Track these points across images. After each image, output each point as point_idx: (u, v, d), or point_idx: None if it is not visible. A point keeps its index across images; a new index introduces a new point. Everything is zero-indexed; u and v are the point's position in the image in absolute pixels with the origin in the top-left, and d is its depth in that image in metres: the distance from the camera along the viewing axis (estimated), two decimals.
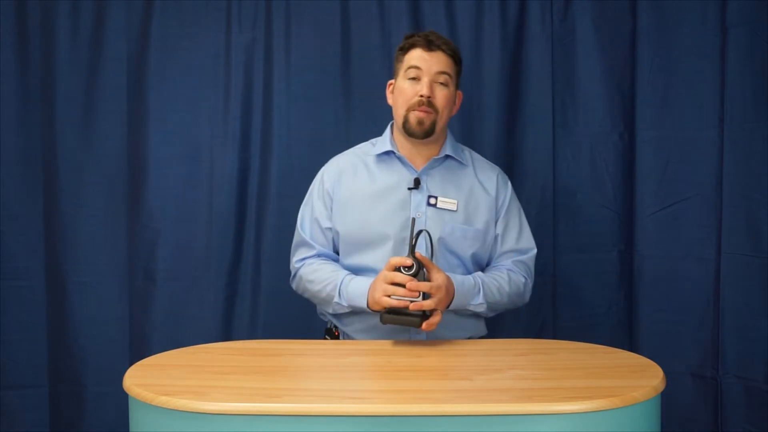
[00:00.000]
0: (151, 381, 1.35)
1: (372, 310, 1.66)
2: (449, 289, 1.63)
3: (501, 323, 2.26)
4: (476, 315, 1.79)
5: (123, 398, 1.38)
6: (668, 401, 1.52)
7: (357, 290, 1.68)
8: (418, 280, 1.56)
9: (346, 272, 1.75)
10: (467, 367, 1.48)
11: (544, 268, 2.27)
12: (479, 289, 1.72)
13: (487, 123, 2.27)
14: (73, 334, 2.26)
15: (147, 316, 2.26)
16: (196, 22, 2.25)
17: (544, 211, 2.27)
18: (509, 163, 2.28)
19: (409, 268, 1.56)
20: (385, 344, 1.67)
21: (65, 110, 2.24)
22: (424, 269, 1.58)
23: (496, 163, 2.25)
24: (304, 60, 2.26)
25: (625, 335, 2.26)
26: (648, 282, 2.20)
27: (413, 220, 1.66)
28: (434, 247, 1.70)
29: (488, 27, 2.25)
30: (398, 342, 1.69)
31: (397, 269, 1.57)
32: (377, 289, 1.60)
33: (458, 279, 1.69)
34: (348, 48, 2.26)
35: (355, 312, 1.73)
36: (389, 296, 1.56)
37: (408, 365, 1.51)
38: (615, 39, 2.23)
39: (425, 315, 1.57)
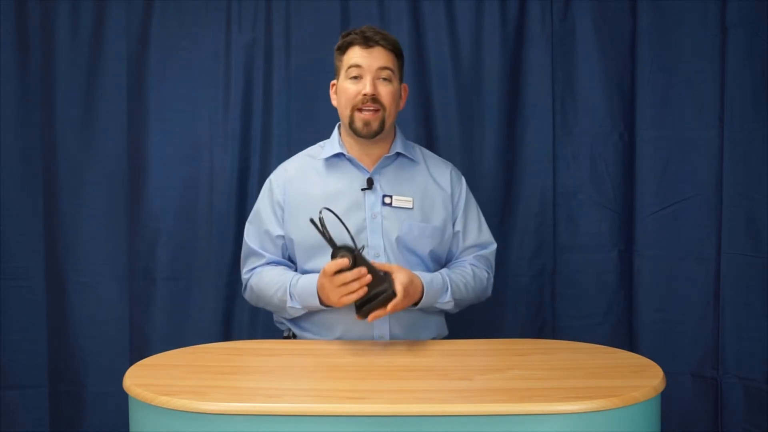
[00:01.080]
0: (151, 381, 1.35)
1: (326, 306, 1.64)
2: (414, 280, 1.62)
3: (501, 323, 2.27)
4: (441, 312, 1.80)
5: (123, 398, 1.38)
6: (668, 401, 1.52)
7: (306, 290, 1.66)
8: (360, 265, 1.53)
9: (293, 273, 1.74)
10: (467, 367, 1.48)
11: (544, 268, 2.28)
12: (447, 287, 1.72)
13: (487, 123, 2.27)
14: (73, 334, 2.26)
15: (147, 316, 2.25)
16: (196, 22, 2.25)
17: (544, 211, 2.27)
18: (509, 163, 2.28)
19: (349, 267, 1.52)
20: (385, 344, 1.67)
21: (65, 110, 2.24)
22: (360, 251, 1.54)
23: (497, 164, 2.27)
24: (304, 60, 2.26)
25: (625, 335, 2.26)
26: (648, 282, 2.20)
27: (319, 218, 1.55)
28: (354, 236, 1.61)
29: (488, 27, 2.25)
30: (398, 342, 1.69)
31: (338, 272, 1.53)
32: (330, 297, 1.58)
33: (427, 277, 1.68)
34: None
35: (311, 313, 1.72)
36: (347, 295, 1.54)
37: (408, 365, 1.51)
38: (615, 39, 2.22)
39: (389, 284, 1.55)
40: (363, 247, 1.55)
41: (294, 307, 1.69)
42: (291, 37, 2.26)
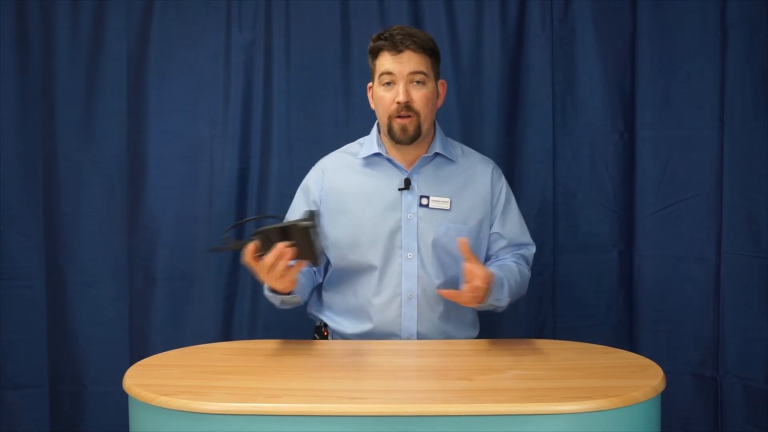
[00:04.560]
0: (151, 381, 1.35)
1: (277, 292, 1.61)
2: (488, 278, 1.58)
3: (501, 323, 2.27)
4: (474, 312, 1.81)
5: (123, 398, 1.38)
6: (668, 401, 1.52)
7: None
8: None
9: None
10: (467, 367, 1.48)
11: (544, 268, 2.27)
12: (504, 283, 1.67)
13: (487, 123, 2.27)
14: (73, 334, 2.26)
15: (147, 316, 2.26)
16: (196, 22, 2.25)
17: (544, 211, 2.27)
18: (509, 163, 2.28)
19: (266, 246, 1.47)
20: (385, 344, 1.67)
21: (65, 110, 2.24)
22: (265, 230, 1.49)
23: (497, 164, 2.26)
24: (304, 60, 2.26)
25: (625, 335, 2.26)
26: (648, 282, 2.20)
27: (220, 245, 1.61)
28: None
29: (488, 27, 2.25)
30: (398, 342, 1.69)
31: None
32: (273, 285, 1.55)
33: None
34: (348, 48, 2.26)
35: (345, 304, 1.73)
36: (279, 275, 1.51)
37: (407, 365, 1.51)
38: (615, 39, 2.22)
39: (295, 223, 1.47)
40: (275, 216, 1.53)
41: (269, 295, 1.66)
42: (291, 37, 2.26)
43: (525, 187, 2.27)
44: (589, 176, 2.26)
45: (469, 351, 1.61)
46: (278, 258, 1.46)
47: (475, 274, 1.53)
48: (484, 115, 2.27)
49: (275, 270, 1.48)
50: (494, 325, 2.25)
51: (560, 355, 1.55)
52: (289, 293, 1.62)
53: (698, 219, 2.16)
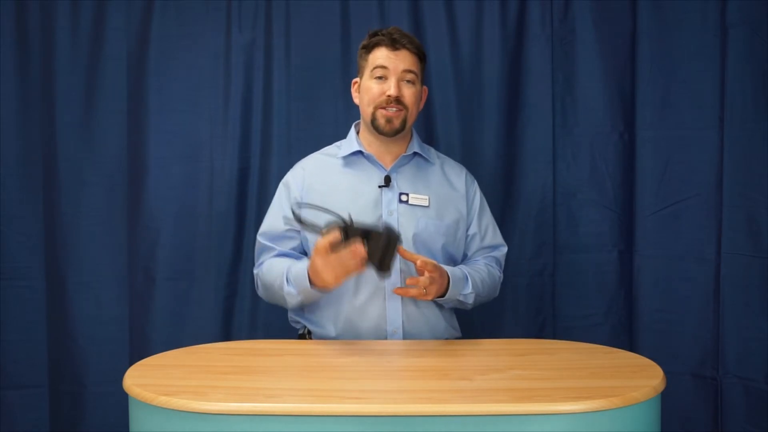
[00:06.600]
0: (151, 381, 1.35)
1: (318, 288, 1.63)
2: (440, 267, 1.65)
3: (501, 323, 2.27)
4: (453, 312, 1.82)
5: (123, 398, 1.38)
6: (668, 401, 1.52)
7: (301, 272, 1.65)
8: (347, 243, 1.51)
9: (292, 261, 1.73)
10: (467, 367, 1.48)
11: (544, 268, 2.28)
12: (467, 277, 1.74)
13: (487, 123, 2.27)
14: (73, 334, 2.26)
15: (147, 316, 2.25)
16: (196, 22, 2.25)
17: (544, 211, 2.27)
18: (509, 164, 2.28)
19: (342, 241, 1.50)
20: (385, 344, 1.67)
21: (65, 110, 2.24)
22: (350, 221, 1.51)
23: (497, 164, 2.27)
24: (304, 60, 2.26)
25: (625, 335, 2.26)
26: (648, 282, 2.20)
27: (294, 214, 1.61)
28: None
29: (488, 27, 2.25)
30: (398, 342, 1.69)
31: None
32: (325, 277, 1.55)
33: (449, 269, 1.71)
34: (348, 48, 2.26)
35: (324, 308, 1.74)
36: (343, 273, 1.54)
37: (408, 365, 1.51)
38: (615, 39, 2.22)
39: (390, 230, 1.51)
40: (350, 216, 1.53)
41: (290, 293, 1.68)
42: (291, 37, 2.26)
43: (525, 187, 2.27)
44: (589, 176, 2.26)
45: (469, 351, 1.61)
46: (352, 256, 1.50)
47: (425, 263, 1.60)
48: (484, 115, 2.27)
49: (345, 266, 1.51)
50: (494, 325, 2.25)
51: (560, 355, 1.56)
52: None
53: (698, 219, 2.16)
